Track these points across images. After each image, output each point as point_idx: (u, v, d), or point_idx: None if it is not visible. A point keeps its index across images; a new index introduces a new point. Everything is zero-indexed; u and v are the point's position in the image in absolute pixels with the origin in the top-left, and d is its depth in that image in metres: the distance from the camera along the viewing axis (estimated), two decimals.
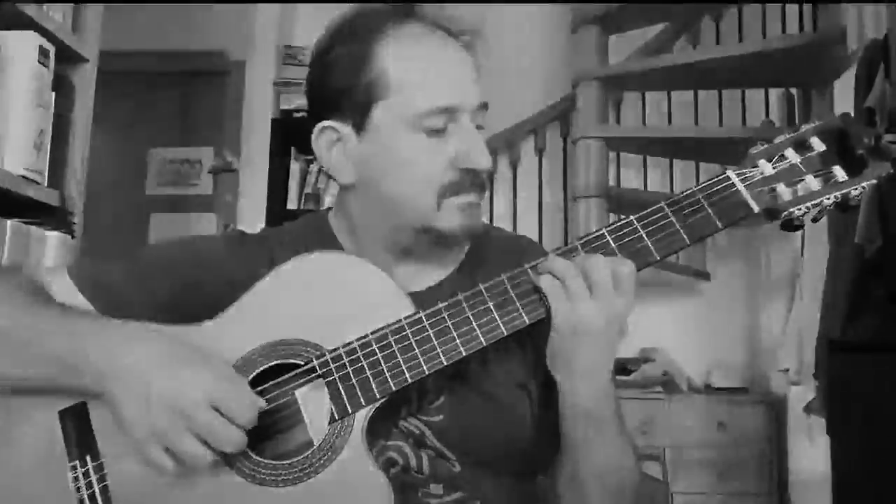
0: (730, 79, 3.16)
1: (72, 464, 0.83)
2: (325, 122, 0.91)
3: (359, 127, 0.89)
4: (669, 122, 3.47)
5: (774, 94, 3.29)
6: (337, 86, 0.90)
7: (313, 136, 0.92)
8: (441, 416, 0.88)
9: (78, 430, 0.84)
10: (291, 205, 3.45)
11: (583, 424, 0.86)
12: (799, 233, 2.94)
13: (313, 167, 3.50)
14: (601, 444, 0.87)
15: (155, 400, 0.75)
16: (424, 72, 0.88)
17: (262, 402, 0.80)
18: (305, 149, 3.49)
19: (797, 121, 3.08)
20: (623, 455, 0.90)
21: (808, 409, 2.57)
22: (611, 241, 0.84)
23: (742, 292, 3.47)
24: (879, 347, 1.78)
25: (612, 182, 3.20)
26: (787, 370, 2.77)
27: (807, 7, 3.14)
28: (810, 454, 2.69)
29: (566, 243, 0.85)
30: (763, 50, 2.82)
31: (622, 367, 3.09)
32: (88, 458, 0.83)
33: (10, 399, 0.85)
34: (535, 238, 3.31)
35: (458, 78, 0.90)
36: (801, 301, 2.71)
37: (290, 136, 3.46)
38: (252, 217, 3.34)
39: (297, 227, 1.02)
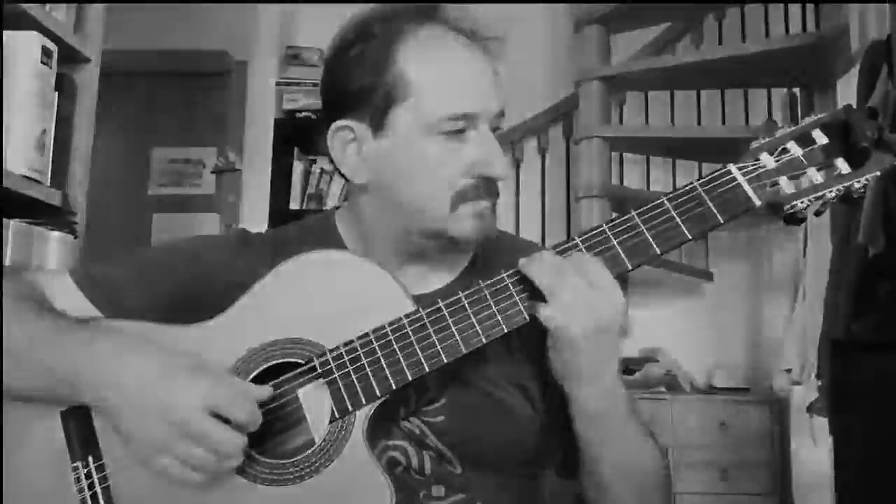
0: (732, 79, 3.16)
1: (74, 464, 0.83)
2: (342, 122, 0.90)
3: (376, 128, 0.88)
4: (672, 122, 3.47)
5: (777, 93, 3.28)
6: (355, 86, 0.88)
7: (328, 135, 0.92)
8: (442, 418, 0.87)
9: (80, 431, 0.84)
10: (294, 205, 3.46)
11: (595, 427, 0.85)
12: (801, 233, 2.93)
13: (315, 167, 3.50)
14: (617, 445, 0.86)
15: (151, 413, 0.76)
16: (445, 76, 0.87)
17: (264, 392, 0.80)
18: (308, 149, 3.52)
19: (800, 121, 3.07)
20: (642, 455, 0.89)
21: (810, 409, 2.56)
22: (611, 237, 0.83)
23: (744, 292, 3.46)
24: (882, 347, 1.77)
25: (614, 182, 3.19)
26: (790, 370, 2.76)
27: (810, 7, 3.15)
28: (813, 454, 2.68)
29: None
30: (766, 50, 2.81)
31: (625, 368, 3.09)
32: (91, 459, 0.83)
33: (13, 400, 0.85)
34: (538, 238, 3.31)
35: (479, 85, 0.89)
36: (804, 301, 2.70)
37: (293, 136, 3.46)
38: (255, 217, 3.35)
39: (301, 227, 1.02)
